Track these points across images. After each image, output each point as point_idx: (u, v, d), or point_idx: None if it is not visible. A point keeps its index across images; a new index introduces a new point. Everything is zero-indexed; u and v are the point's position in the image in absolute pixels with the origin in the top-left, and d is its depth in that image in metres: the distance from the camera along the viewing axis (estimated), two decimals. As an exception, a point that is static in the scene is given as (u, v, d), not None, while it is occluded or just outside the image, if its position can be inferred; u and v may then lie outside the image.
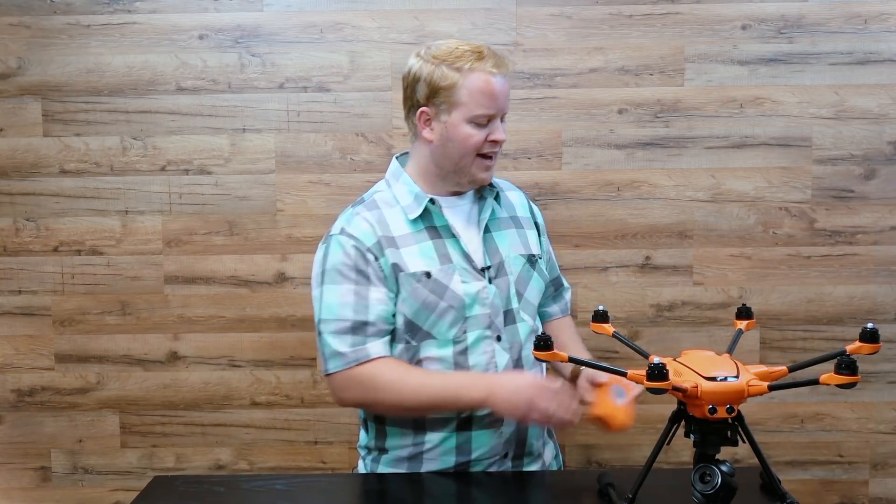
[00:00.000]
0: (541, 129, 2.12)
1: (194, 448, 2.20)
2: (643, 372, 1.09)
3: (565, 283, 1.78)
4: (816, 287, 2.14)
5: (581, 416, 1.40)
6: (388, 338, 1.48)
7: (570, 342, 1.68)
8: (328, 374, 1.48)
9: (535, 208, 1.71)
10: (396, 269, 1.47)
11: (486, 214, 1.54)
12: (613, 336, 1.38)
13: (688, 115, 2.11)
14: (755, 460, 1.22)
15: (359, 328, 1.45)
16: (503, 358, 1.49)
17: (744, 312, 1.37)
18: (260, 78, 2.11)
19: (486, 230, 1.54)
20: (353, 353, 1.45)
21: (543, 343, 1.18)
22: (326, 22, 2.10)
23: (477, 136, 1.46)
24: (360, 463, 1.63)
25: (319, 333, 1.49)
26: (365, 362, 1.44)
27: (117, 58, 2.11)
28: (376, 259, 1.47)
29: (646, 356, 1.28)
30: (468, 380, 1.44)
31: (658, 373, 1.07)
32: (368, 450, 1.60)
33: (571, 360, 1.20)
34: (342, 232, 1.50)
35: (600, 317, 1.40)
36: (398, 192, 1.54)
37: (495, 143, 1.48)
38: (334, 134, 2.13)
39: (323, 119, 2.13)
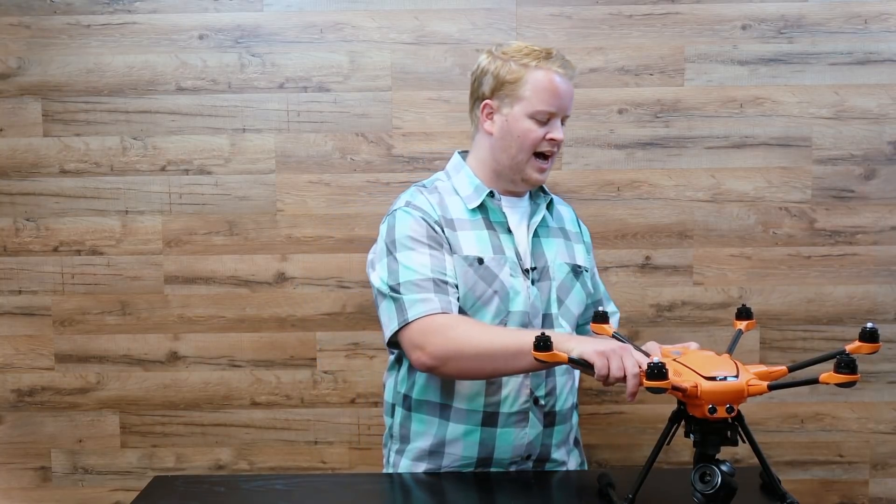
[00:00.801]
0: (541, 129, 2.12)
1: (194, 448, 2.20)
2: (643, 372, 1.09)
3: (610, 308, 1.74)
4: (816, 287, 2.14)
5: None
6: (459, 303, 1.47)
7: None
8: (407, 324, 1.42)
9: (584, 227, 1.74)
10: (452, 249, 1.50)
11: (538, 218, 1.57)
12: (613, 337, 1.38)
13: (688, 115, 2.11)
14: (755, 460, 1.22)
15: (440, 286, 1.44)
16: None
17: (744, 313, 1.37)
18: (260, 78, 2.11)
19: (535, 234, 1.57)
20: (439, 303, 1.42)
21: (543, 343, 1.18)
22: (326, 22, 2.10)
23: (536, 132, 1.49)
24: (384, 454, 1.66)
25: (395, 295, 1.45)
26: (447, 313, 1.41)
27: (117, 58, 2.11)
28: (442, 230, 1.50)
29: (647, 355, 1.28)
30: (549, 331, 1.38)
31: (657, 372, 1.07)
32: (392, 437, 1.62)
33: (571, 360, 1.20)
34: (408, 205, 1.53)
35: (600, 318, 1.40)
36: (458, 184, 1.57)
37: (553, 141, 1.50)
38: (334, 134, 2.13)
39: (323, 119, 2.13)
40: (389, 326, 1.46)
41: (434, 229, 1.49)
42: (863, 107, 2.10)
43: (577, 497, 1.38)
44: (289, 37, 2.11)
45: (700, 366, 1.15)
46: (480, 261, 1.49)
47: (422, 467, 1.55)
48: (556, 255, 1.57)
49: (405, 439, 1.58)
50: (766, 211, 2.13)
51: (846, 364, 1.03)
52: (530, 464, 1.53)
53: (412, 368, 1.53)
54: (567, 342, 1.27)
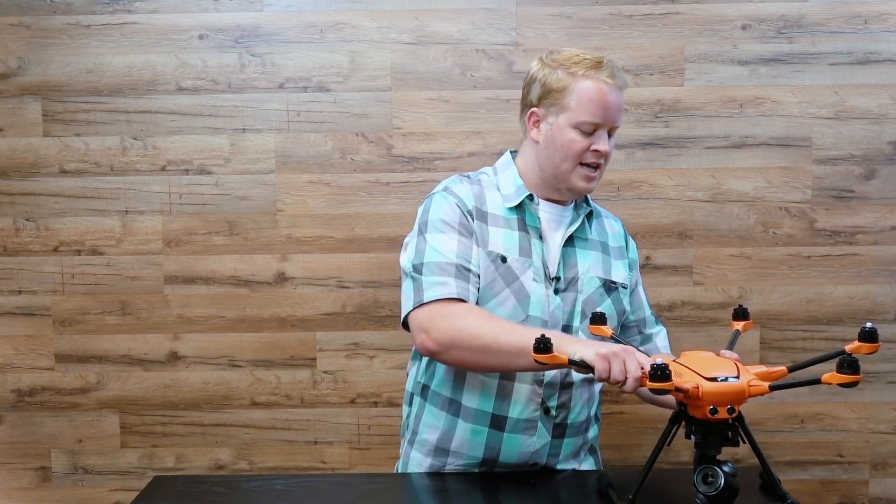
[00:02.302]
0: (541, 129, 2.12)
1: (194, 448, 2.20)
2: (644, 373, 1.09)
3: (653, 329, 1.70)
4: (816, 287, 2.14)
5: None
6: (479, 293, 1.47)
7: None
8: (422, 305, 1.42)
9: (632, 244, 1.69)
10: (478, 242, 1.49)
11: (574, 227, 1.54)
12: (612, 338, 1.38)
13: (688, 115, 2.11)
14: (755, 460, 1.22)
15: (462, 272, 1.44)
16: (550, 371, 1.48)
17: (740, 313, 1.37)
18: (260, 78, 2.11)
19: (571, 244, 1.54)
20: (456, 288, 1.42)
21: (543, 345, 1.18)
22: (326, 22, 2.10)
23: (580, 142, 1.46)
24: (401, 443, 1.67)
25: (415, 275, 1.45)
26: (463, 300, 1.42)
27: (117, 58, 2.11)
28: (472, 220, 1.49)
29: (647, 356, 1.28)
30: (550, 332, 1.37)
31: (661, 373, 1.07)
32: (407, 427, 1.63)
33: (571, 362, 1.20)
34: (446, 189, 1.53)
35: (598, 319, 1.40)
36: (502, 181, 1.56)
37: (598, 153, 1.47)
38: (334, 134, 2.13)
39: (323, 119, 2.12)
40: (405, 306, 1.46)
41: (466, 217, 1.49)
42: (863, 107, 2.10)
43: (577, 497, 1.38)
44: (289, 37, 2.10)
45: (701, 367, 1.15)
46: (504, 259, 1.48)
47: (428, 462, 1.56)
48: (589, 267, 1.54)
49: (416, 431, 1.59)
50: (766, 211, 2.13)
51: (849, 364, 1.03)
52: (537, 471, 1.52)
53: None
54: (569, 344, 1.25)
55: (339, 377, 2.17)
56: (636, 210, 2.13)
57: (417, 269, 1.45)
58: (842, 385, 1.04)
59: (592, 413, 1.59)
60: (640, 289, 1.70)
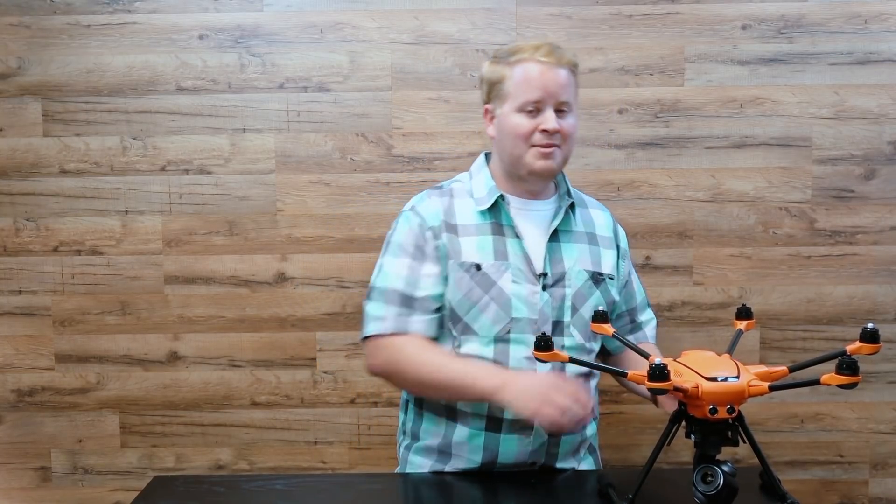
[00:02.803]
0: (541, 129, 2.12)
1: (194, 448, 2.20)
2: (644, 373, 1.09)
3: (645, 317, 1.70)
4: (816, 287, 2.14)
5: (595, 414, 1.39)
6: (433, 316, 1.50)
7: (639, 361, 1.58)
8: (365, 338, 1.53)
9: (621, 232, 1.67)
10: (449, 255, 1.50)
11: (557, 222, 1.53)
12: (614, 337, 1.38)
13: (688, 115, 2.11)
14: (755, 460, 1.22)
15: (406, 301, 1.49)
16: (544, 367, 1.47)
17: (743, 313, 1.37)
18: (260, 78, 2.11)
19: (556, 239, 1.53)
20: (393, 322, 1.49)
21: (544, 343, 1.18)
22: (326, 22, 2.10)
23: (525, 124, 1.46)
24: (397, 448, 1.67)
25: (366, 300, 1.54)
26: (400, 334, 1.48)
27: (117, 58, 2.11)
28: (435, 238, 1.50)
29: (646, 356, 1.28)
30: (486, 370, 1.43)
31: (659, 373, 1.07)
32: (404, 434, 1.63)
33: (572, 360, 1.20)
34: (412, 209, 1.55)
35: (600, 317, 1.40)
36: (476, 185, 1.56)
37: (546, 132, 1.46)
38: (334, 134, 2.13)
39: (323, 119, 2.13)
40: (362, 329, 1.55)
41: (425, 235, 1.50)
42: (863, 107, 2.10)
43: (577, 497, 1.38)
44: (289, 37, 2.11)
45: (701, 366, 1.15)
46: (478, 267, 1.48)
47: (429, 465, 1.56)
48: (577, 261, 1.53)
49: (415, 437, 1.59)
50: (766, 211, 2.13)
51: (848, 365, 1.03)
52: (537, 472, 1.52)
53: None
54: (499, 390, 1.35)
55: (339, 377, 2.17)
56: (636, 210, 2.13)
57: (369, 292, 1.54)
58: (841, 386, 1.04)
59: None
60: (634, 277, 1.69)
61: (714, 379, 1.11)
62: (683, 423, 1.18)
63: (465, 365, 1.44)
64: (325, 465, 2.20)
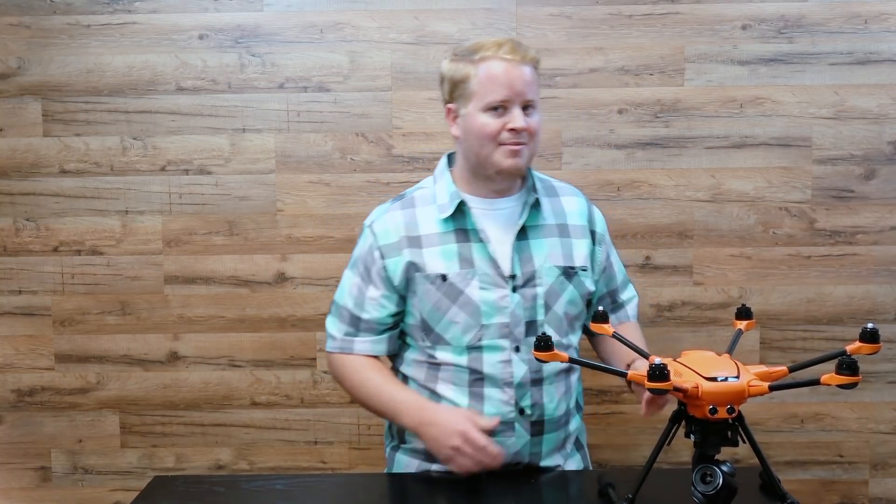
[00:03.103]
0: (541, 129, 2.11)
1: (194, 448, 2.20)
2: (644, 373, 1.09)
3: (626, 295, 1.68)
4: (816, 287, 2.14)
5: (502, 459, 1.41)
6: (381, 336, 1.55)
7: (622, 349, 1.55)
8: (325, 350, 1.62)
9: (597, 216, 1.63)
10: (413, 268, 1.49)
11: (521, 220, 1.50)
12: (613, 336, 1.38)
13: (688, 115, 2.11)
14: (755, 460, 1.22)
15: (354, 321, 1.56)
16: (520, 369, 1.47)
17: (743, 313, 1.37)
18: (260, 78, 2.11)
19: (524, 237, 1.51)
20: (340, 342, 1.57)
21: (543, 343, 1.18)
22: (326, 22, 2.10)
23: (492, 123, 1.44)
24: (385, 449, 1.67)
25: (329, 310, 1.61)
26: (347, 353, 1.56)
27: (117, 58, 2.11)
28: (383, 258, 1.51)
29: (646, 356, 1.28)
30: (408, 405, 1.48)
31: (659, 373, 1.07)
32: (391, 436, 1.63)
33: (572, 360, 1.20)
34: (370, 225, 1.56)
35: (600, 317, 1.40)
36: (438, 191, 1.54)
37: (514, 131, 1.44)
38: (334, 134, 2.13)
39: (323, 119, 2.13)
40: None
41: (373, 255, 1.52)
42: (863, 107, 2.10)
43: (577, 497, 1.38)
44: (289, 37, 2.11)
45: (701, 366, 1.15)
46: (444, 277, 1.47)
47: (416, 464, 1.56)
48: (547, 257, 1.51)
49: (402, 439, 1.59)
50: (766, 211, 2.13)
51: (848, 365, 1.03)
52: (521, 469, 1.52)
53: (405, 370, 1.57)
54: (416, 430, 1.45)
55: (339, 377, 2.17)
56: (636, 210, 2.13)
57: (331, 305, 1.61)
58: (841, 386, 1.04)
59: (572, 404, 1.57)
60: (614, 257, 1.65)
61: (714, 379, 1.11)
62: (683, 423, 1.18)
63: (393, 394, 1.50)
64: (325, 465, 2.20)
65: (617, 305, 1.67)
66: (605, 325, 1.39)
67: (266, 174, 2.13)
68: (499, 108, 1.44)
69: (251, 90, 2.12)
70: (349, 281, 1.57)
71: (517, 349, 1.48)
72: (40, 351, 2.18)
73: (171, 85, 2.12)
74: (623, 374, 1.18)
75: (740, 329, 1.35)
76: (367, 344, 1.55)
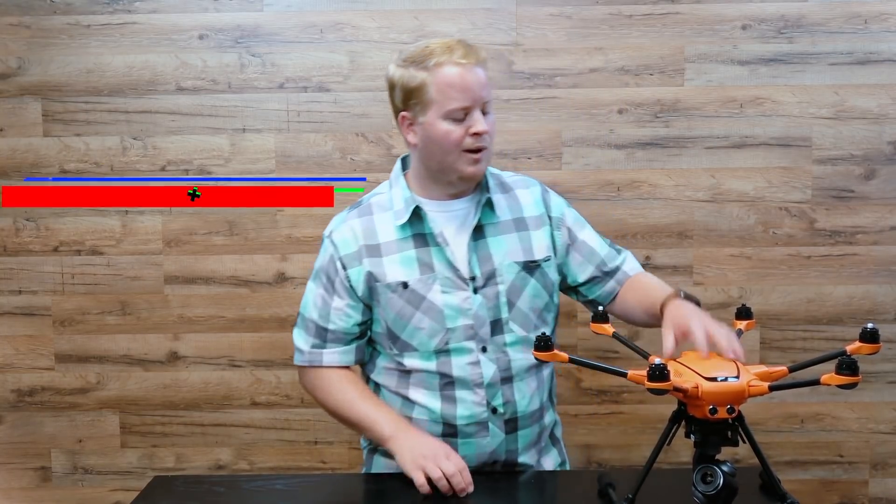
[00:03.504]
0: (541, 129, 2.12)
1: (194, 448, 2.20)
2: (644, 372, 1.09)
3: (617, 260, 1.59)
4: (816, 287, 2.14)
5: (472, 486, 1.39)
6: (349, 346, 1.54)
7: (645, 293, 1.52)
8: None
9: (553, 200, 1.59)
10: (372, 278, 1.48)
11: (474, 221, 1.49)
12: (613, 336, 1.38)
13: (688, 115, 2.11)
14: (755, 460, 1.22)
15: (320, 332, 1.53)
16: (489, 369, 1.47)
17: (743, 313, 1.37)
18: (260, 78, 2.11)
19: (481, 236, 1.50)
20: (308, 355, 1.55)
21: (543, 343, 1.18)
22: (326, 22, 2.10)
23: (456, 131, 1.42)
24: (363, 452, 1.66)
25: (296, 322, 1.59)
26: (317, 366, 1.54)
27: (117, 58, 2.11)
28: (344, 269, 1.50)
29: (646, 357, 1.28)
30: (384, 416, 1.47)
31: (659, 373, 1.07)
32: (368, 440, 1.62)
33: (572, 360, 1.20)
34: (329, 236, 1.56)
35: (600, 317, 1.40)
36: (394, 196, 1.53)
37: (477, 136, 1.42)
38: (334, 134, 2.13)
39: (323, 119, 2.13)
40: None
41: (335, 266, 1.51)
42: (863, 107, 2.10)
43: (577, 497, 1.37)
44: (289, 37, 2.11)
45: (701, 366, 1.15)
46: (405, 285, 1.47)
47: (394, 465, 1.55)
48: (506, 254, 1.49)
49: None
50: (766, 211, 2.13)
51: (847, 365, 1.03)
52: (498, 468, 1.51)
53: (376, 378, 1.57)
54: (391, 439, 1.43)
55: (339, 377, 2.17)
56: (636, 210, 2.13)
57: (297, 316, 1.59)
58: (841, 386, 1.04)
59: (545, 398, 1.56)
60: (586, 235, 1.60)
61: (714, 379, 1.11)
62: (683, 423, 1.18)
63: (368, 407, 1.49)
64: (325, 465, 2.20)
65: (611, 273, 1.60)
66: (605, 326, 1.39)
67: (266, 174, 2.13)
68: (461, 115, 1.42)
69: (251, 90, 2.12)
70: (313, 293, 1.55)
71: (484, 349, 1.47)
72: (40, 351, 2.18)
73: (171, 85, 2.12)
74: (623, 374, 1.18)
75: (740, 329, 1.35)
76: (336, 355, 1.53)
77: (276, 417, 2.19)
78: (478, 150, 1.44)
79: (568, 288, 1.62)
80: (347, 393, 1.51)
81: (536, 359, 1.20)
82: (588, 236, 1.60)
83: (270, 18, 2.10)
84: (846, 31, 2.09)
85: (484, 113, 1.44)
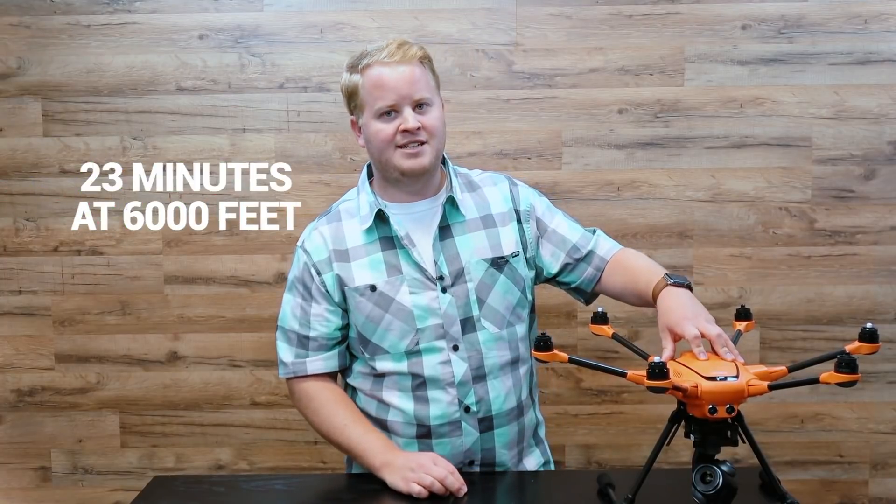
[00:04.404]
0: (541, 129, 2.12)
1: (194, 448, 2.20)
2: (643, 372, 1.09)
3: (591, 244, 1.57)
4: (816, 287, 2.14)
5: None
6: (332, 352, 1.54)
7: (632, 277, 1.50)
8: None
9: (522, 193, 1.58)
10: (342, 283, 1.50)
11: (436, 221, 1.50)
12: (613, 337, 1.38)
13: (688, 115, 2.11)
14: (755, 460, 1.22)
15: (302, 341, 1.54)
16: (460, 367, 1.47)
17: (742, 314, 1.37)
18: (260, 78, 2.11)
19: (448, 235, 1.51)
20: (293, 366, 1.55)
21: (543, 343, 1.18)
22: (326, 22, 2.10)
23: (385, 129, 1.45)
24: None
25: (277, 335, 1.59)
26: (302, 377, 1.54)
27: (117, 58, 2.11)
28: (319, 274, 1.51)
29: (645, 357, 1.28)
30: (375, 445, 1.46)
31: (659, 372, 1.07)
32: None
33: (572, 360, 1.20)
34: (302, 245, 1.55)
35: (600, 318, 1.40)
36: (361, 202, 1.54)
37: (406, 132, 1.44)
38: (334, 134, 2.13)
39: (323, 119, 2.13)
40: None
41: (311, 273, 1.52)
42: (863, 107, 2.10)
43: (577, 497, 1.37)
44: (289, 37, 2.11)
45: (700, 366, 1.15)
46: (373, 288, 1.48)
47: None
48: (473, 252, 1.50)
49: None
50: (766, 211, 2.13)
51: (847, 364, 1.03)
52: (477, 468, 1.51)
53: (353, 382, 1.58)
54: (380, 470, 1.41)
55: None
56: (636, 210, 2.13)
57: (277, 330, 1.59)
58: (840, 384, 1.04)
59: (524, 396, 1.56)
60: (556, 223, 1.58)
61: (713, 378, 1.11)
62: (683, 422, 1.18)
63: (358, 435, 1.47)
64: (325, 465, 2.20)
65: (584, 258, 1.57)
66: (605, 327, 1.39)
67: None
68: (391, 113, 1.44)
69: (251, 90, 2.12)
70: (290, 303, 1.55)
71: (455, 348, 1.48)
72: (40, 351, 2.18)
73: (171, 85, 2.12)
74: (623, 374, 1.18)
75: (739, 330, 1.35)
76: (320, 362, 1.53)
77: (276, 417, 2.19)
78: (413, 145, 1.45)
79: (546, 280, 1.61)
80: (337, 417, 1.50)
81: (536, 359, 1.20)
82: (558, 224, 1.58)
83: (270, 18, 2.10)
84: (846, 31, 2.09)
85: (420, 109, 1.45)
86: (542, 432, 1.65)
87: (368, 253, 1.50)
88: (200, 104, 2.12)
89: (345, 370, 1.59)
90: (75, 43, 2.11)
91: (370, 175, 1.58)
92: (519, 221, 1.56)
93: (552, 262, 1.57)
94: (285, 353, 1.56)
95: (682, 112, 2.11)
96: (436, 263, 1.48)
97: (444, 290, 1.48)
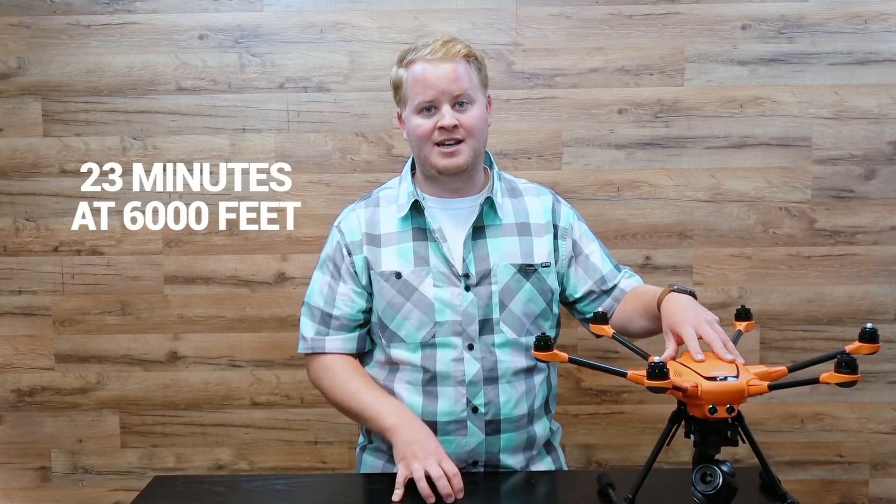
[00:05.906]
0: (541, 129, 2.12)
1: (194, 448, 2.20)
2: (643, 372, 1.09)
3: (616, 281, 1.60)
4: (816, 287, 2.14)
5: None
6: (352, 333, 1.56)
7: (641, 298, 1.52)
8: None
9: (563, 211, 1.60)
10: (370, 266, 1.52)
11: (472, 219, 1.51)
12: (613, 337, 1.38)
13: (688, 115, 2.11)
14: (755, 460, 1.22)
15: (325, 319, 1.56)
16: (473, 367, 1.48)
17: (743, 314, 1.37)
18: (260, 78, 2.11)
19: (481, 236, 1.52)
20: (312, 342, 1.56)
21: (543, 343, 1.18)
22: (326, 22, 2.10)
23: (424, 124, 1.47)
24: (357, 450, 1.68)
25: (301, 311, 1.61)
26: (320, 353, 1.56)
27: (117, 58, 2.11)
28: (350, 255, 1.54)
29: (645, 357, 1.28)
30: (388, 407, 1.46)
31: (659, 372, 1.07)
32: (363, 434, 1.65)
33: (572, 360, 1.20)
34: (338, 225, 1.58)
35: (600, 318, 1.40)
36: (401, 191, 1.57)
37: (443, 129, 1.45)
38: (334, 134, 2.13)
39: (323, 119, 2.13)
40: None
41: (342, 252, 1.54)
42: (863, 107, 2.10)
43: (577, 497, 1.38)
44: (289, 37, 2.11)
45: (700, 366, 1.15)
46: (398, 275, 1.50)
47: (381, 465, 1.57)
48: (503, 255, 1.51)
49: (370, 438, 1.61)
50: (766, 211, 2.13)
51: (847, 364, 1.03)
52: (481, 468, 1.52)
53: (370, 371, 1.58)
54: (390, 430, 1.42)
55: (339, 377, 2.17)
56: (636, 210, 2.13)
57: (302, 306, 1.60)
58: (840, 385, 1.04)
59: (537, 405, 1.55)
60: (592, 250, 1.60)
61: (713, 378, 1.11)
62: (683, 422, 1.18)
63: (372, 398, 1.48)
64: (325, 465, 2.20)
65: (609, 291, 1.60)
66: (605, 327, 1.39)
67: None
68: (431, 109, 1.47)
69: (251, 90, 2.12)
70: (318, 281, 1.57)
71: (470, 347, 1.48)
72: (40, 351, 2.18)
73: (171, 85, 2.12)
74: (623, 374, 1.18)
75: (740, 330, 1.35)
76: (339, 342, 1.55)
77: (276, 417, 2.19)
78: (451, 143, 1.47)
79: (566, 302, 1.64)
80: (351, 383, 1.51)
81: (536, 359, 1.20)
82: (593, 252, 1.61)
83: (270, 18, 2.10)
84: (846, 31, 2.09)
85: (460, 107, 1.47)
86: (556, 441, 1.65)
87: (400, 241, 1.52)
88: (200, 104, 2.12)
89: (363, 358, 1.60)
90: (75, 43, 2.11)
91: (413, 169, 1.60)
92: (555, 237, 1.59)
93: (579, 285, 1.60)
94: (307, 328, 1.57)
95: (682, 112, 2.11)
96: (464, 261, 1.50)
97: (467, 289, 1.49)
